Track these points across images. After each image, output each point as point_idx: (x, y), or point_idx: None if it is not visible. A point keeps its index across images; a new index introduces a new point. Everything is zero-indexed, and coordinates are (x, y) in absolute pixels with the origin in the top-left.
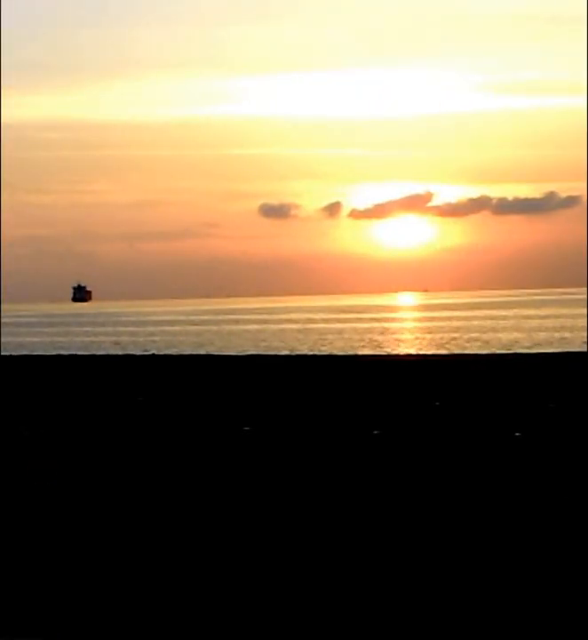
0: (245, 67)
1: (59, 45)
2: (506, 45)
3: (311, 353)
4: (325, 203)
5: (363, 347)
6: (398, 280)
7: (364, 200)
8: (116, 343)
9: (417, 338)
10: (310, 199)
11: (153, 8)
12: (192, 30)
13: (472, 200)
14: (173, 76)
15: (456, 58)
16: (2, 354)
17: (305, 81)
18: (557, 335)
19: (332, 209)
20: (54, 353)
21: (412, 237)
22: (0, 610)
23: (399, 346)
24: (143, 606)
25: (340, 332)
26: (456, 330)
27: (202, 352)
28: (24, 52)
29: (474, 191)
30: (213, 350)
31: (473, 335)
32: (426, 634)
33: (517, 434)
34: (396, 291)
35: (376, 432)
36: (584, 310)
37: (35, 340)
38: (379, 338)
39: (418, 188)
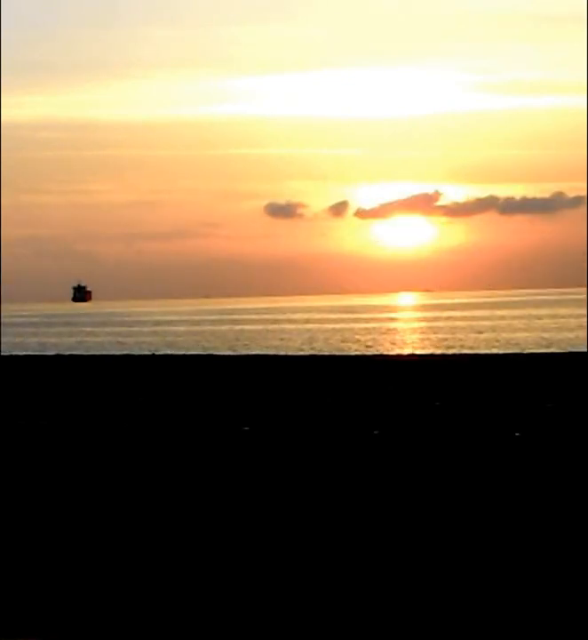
0: (246, 67)
1: (59, 45)
2: (508, 45)
3: (311, 353)
4: (332, 202)
5: (366, 347)
6: (404, 280)
7: (371, 200)
8: (120, 343)
9: (418, 338)
10: (316, 199)
11: (153, 8)
12: (192, 30)
13: (479, 200)
14: (173, 76)
15: (459, 57)
16: (2, 354)
17: (309, 81)
18: (557, 335)
19: (339, 208)
20: (54, 353)
21: (419, 237)
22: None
23: (399, 346)
24: (142, 606)
25: (343, 332)
26: (459, 330)
27: (202, 352)
28: (24, 52)
29: (481, 191)
30: (213, 350)
31: (475, 335)
32: (426, 634)
33: (517, 434)
34: (402, 291)
35: (376, 432)
36: (584, 310)
37: (35, 340)
38: (382, 337)
39: (425, 188)
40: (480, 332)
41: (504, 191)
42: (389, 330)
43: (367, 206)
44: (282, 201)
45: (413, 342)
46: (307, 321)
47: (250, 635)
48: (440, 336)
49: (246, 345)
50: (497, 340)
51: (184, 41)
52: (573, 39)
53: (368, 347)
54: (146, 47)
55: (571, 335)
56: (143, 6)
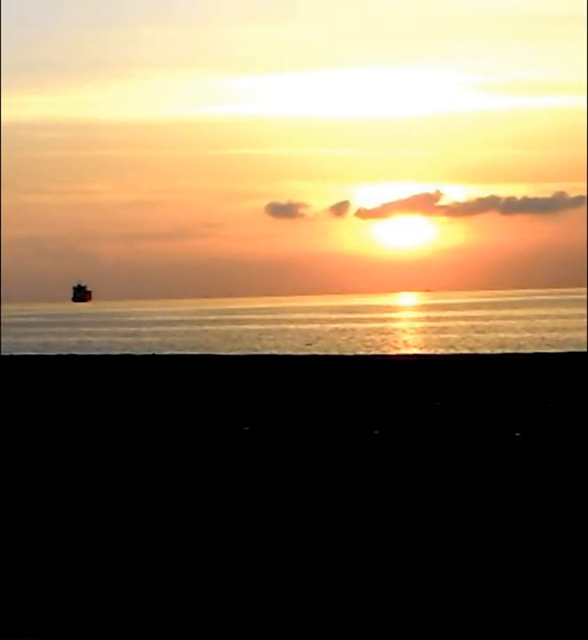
0: (246, 67)
1: (59, 45)
2: (508, 45)
3: (311, 353)
4: (333, 202)
5: (369, 347)
6: (405, 280)
7: (372, 200)
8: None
9: (419, 338)
10: (317, 199)
11: (153, 8)
12: (192, 30)
13: (480, 200)
14: (173, 76)
15: (459, 57)
16: (2, 354)
17: (309, 80)
18: (557, 335)
19: (340, 208)
20: (54, 353)
21: (420, 237)
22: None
23: (399, 346)
24: (142, 606)
25: (344, 332)
26: (459, 330)
27: (202, 352)
28: (24, 52)
29: (482, 191)
30: (213, 350)
31: (475, 335)
32: (426, 634)
33: (517, 434)
34: (403, 291)
35: (376, 432)
36: (585, 310)
37: (35, 340)
38: (382, 337)
39: (426, 188)
40: (481, 332)
41: (505, 191)
42: (389, 330)
43: (368, 206)
44: (283, 201)
45: (413, 342)
46: (309, 321)
47: (251, 635)
48: (440, 336)
49: (246, 345)
50: (498, 340)
51: (184, 41)
52: (573, 39)
53: (368, 347)
54: (146, 47)
55: (571, 335)
56: (143, 6)
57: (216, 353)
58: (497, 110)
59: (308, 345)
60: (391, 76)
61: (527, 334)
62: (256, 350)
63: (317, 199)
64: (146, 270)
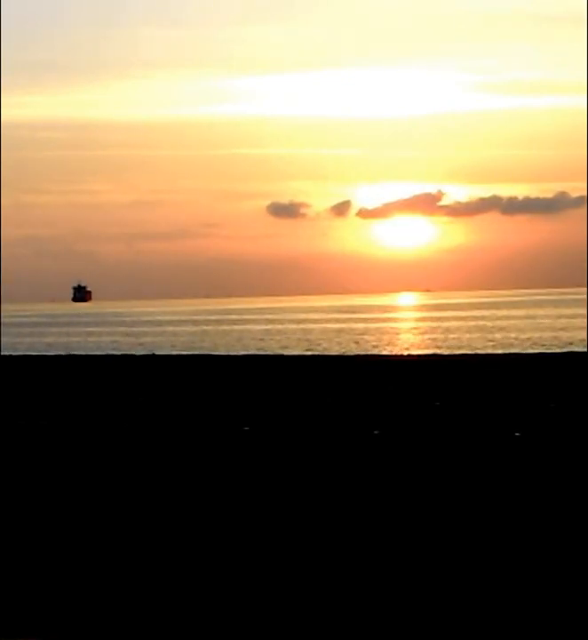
0: (246, 67)
1: (59, 45)
2: (508, 45)
3: (311, 353)
4: (334, 202)
5: (370, 347)
6: (407, 280)
7: (373, 200)
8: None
9: (419, 338)
10: (319, 198)
11: (153, 8)
12: (192, 30)
13: (481, 200)
14: (173, 76)
15: (459, 57)
16: (2, 354)
17: (309, 80)
18: (557, 335)
19: (341, 208)
20: (54, 353)
21: (421, 237)
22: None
23: (399, 346)
24: (142, 606)
25: (345, 332)
26: (459, 330)
27: (203, 352)
28: (24, 52)
29: (484, 191)
30: (213, 350)
31: (475, 335)
32: (426, 634)
33: (517, 434)
34: (405, 291)
35: (376, 432)
36: (584, 310)
37: (35, 340)
38: (382, 337)
39: (427, 188)
40: (482, 332)
41: (506, 191)
42: (388, 330)
43: (369, 206)
44: (284, 200)
45: (413, 342)
46: (311, 321)
47: (251, 635)
48: (440, 336)
49: (247, 345)
50: (498, 340)
51: (184, 41)
52: (573, 39)
53: (374, 346)
54: (146, 47)
55: (571, 335)
56: (143, 6)
57: (216, 353)
58: (497, 110)
59: (305, 345)
60: (391, 76)
61: (527, 334)
62: (256, 350)
63: (318, 199)
64: (146, 270)
